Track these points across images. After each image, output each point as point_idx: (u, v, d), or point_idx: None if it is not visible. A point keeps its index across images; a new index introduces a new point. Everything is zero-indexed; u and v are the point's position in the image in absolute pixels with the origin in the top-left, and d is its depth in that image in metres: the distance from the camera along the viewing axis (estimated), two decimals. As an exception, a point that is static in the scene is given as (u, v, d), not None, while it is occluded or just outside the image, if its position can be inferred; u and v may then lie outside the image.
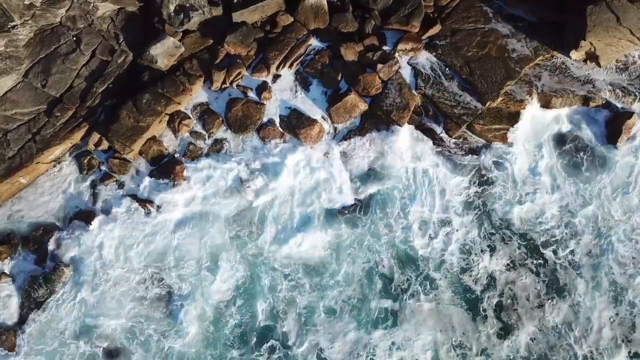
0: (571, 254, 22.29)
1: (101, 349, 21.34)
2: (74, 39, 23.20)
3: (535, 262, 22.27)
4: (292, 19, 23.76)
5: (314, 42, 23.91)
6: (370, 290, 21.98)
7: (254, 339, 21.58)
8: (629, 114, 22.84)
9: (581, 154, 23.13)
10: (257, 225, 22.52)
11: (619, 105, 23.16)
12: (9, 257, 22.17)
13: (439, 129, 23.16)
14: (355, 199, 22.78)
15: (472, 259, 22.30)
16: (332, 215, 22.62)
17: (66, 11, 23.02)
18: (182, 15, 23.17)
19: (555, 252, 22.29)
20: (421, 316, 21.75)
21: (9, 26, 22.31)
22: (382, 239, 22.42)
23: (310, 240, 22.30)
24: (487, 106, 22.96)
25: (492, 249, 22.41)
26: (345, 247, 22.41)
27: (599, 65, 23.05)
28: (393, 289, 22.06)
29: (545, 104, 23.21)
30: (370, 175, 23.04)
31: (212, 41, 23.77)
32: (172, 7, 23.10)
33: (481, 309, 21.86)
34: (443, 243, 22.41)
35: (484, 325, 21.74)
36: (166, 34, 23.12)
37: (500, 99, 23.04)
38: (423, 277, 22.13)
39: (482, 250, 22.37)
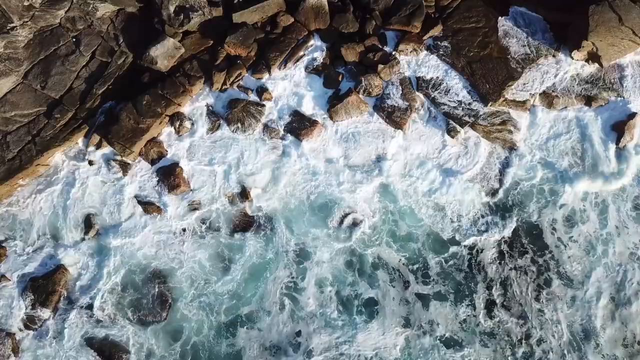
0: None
1: None
2: (74, 40, 23.11)
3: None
4: (292, 20, 23.65)
5: (315, 43, 23.80)
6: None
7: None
8: (631, 114, 22.74)
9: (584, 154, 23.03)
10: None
11: (621, 104, 23.06)
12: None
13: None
14: None
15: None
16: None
17: (65, 12, 22.92)
18: (182, 16, 23.05)
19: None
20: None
21: (8, 27, 22.24)
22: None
23: None
24: (489, 107, 22.88)
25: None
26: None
27: (601, 65, 22.93)
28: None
29: (548, 104, 23.11)
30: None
31: (212, 42, 23.67)
32: (172, 8, 22.99)
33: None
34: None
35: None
36: (166, 35, 23.02)
37: (502, 99, 22.94)
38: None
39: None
